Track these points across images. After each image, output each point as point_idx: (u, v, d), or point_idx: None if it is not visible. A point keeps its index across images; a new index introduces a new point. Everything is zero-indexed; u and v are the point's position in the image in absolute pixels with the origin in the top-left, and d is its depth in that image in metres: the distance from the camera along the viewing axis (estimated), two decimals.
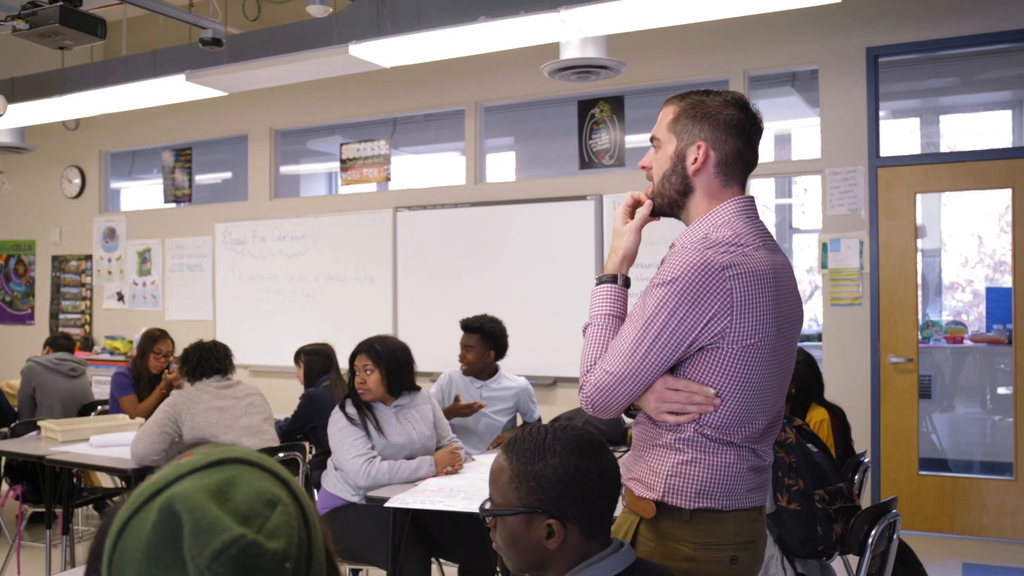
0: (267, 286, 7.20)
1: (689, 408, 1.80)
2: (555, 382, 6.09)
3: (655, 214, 1.99)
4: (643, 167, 1.99)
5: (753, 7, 4.18)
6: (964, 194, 6.58)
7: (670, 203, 1.93)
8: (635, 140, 6.20)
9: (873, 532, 2.63)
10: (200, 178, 7.91)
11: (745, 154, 1.90)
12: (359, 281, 6.83)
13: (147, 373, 5.08)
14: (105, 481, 5.36)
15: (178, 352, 5.38)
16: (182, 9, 4.24)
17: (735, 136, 1.87)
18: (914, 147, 6.17)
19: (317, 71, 5.11)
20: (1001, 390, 6.24)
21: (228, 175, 8.16)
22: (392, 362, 3.51)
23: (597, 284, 1.98)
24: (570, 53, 4.75)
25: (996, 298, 6.59)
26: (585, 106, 6.22)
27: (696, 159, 1.87)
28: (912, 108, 6.43)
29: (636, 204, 2.02)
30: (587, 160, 6.21)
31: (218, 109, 7.16)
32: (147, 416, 4.87)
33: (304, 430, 4.54)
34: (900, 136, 6.49)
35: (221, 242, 7.44)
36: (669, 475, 1.81)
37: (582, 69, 4.84)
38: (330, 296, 6.94)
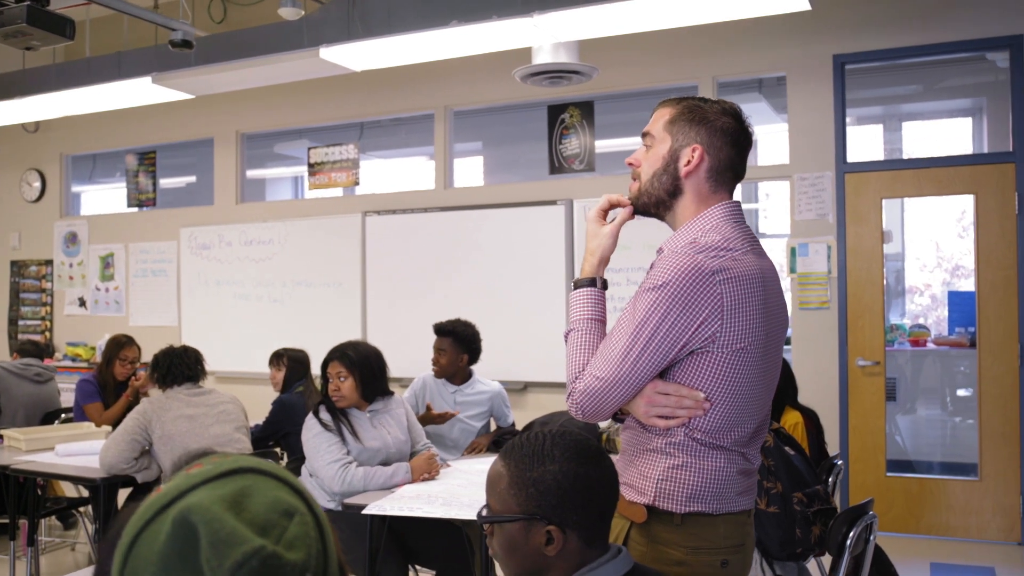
0: (234, 291, 7.11)
1: (679, 412, 1.80)
2: (526, 387, 6.09)
3: (638, 213, 1.98)
4: (630, 164, 1.98)
5: (723, 14, 4.22)
6: (921, 200, 6.69)
7: (656, 202, 1.92)
8: (605, 145, 6.22)
9: (852, 534, 2.65)
10: (164, 182, 7.79)
11: (736, 164, 1.91)
12: (327, 286, 6.77)
13: (113, 380, 4.99)
14: (69, 491, 5.25)
15: (144, 359, 5.31)
16: (149, 10, 4.17)
17: (729, 145, 1.88)
18: (877, 153, 6.26)
19: (287, 74, 5.07)
20: (964, 392, 6.35)
21: (192, 179, 8.06)
22: (366, 368, 3.48)
23: (575, 288, 1.97)
24: (542, 58, 4.76)
25: (958, 302, 6.71)
26: (555, 111, 6.23)
27: (690, 161, 1.87)
28: (875, 115, 6.53)
29: (609, 207, 2.01)
30: (557, 165, 6.22)
31: (183, 112, 7.06)
32: (113, 424, 4.80)
33: (276, 437, 4.48)
34: (864, 142, 6.59)
35: (186, 247, 7.33)
36: (660, 479, 1.81)
37: (554, 74, 4.85)
38: (298, 301, 6.87)
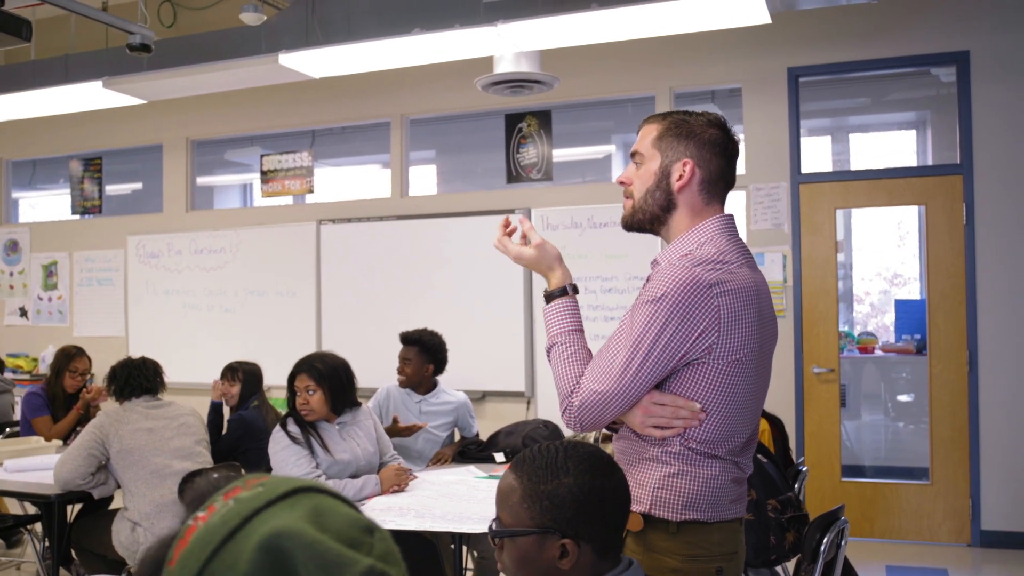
0: (183, 301, 6.96)
1: (675, 422, 1.81)
2: (484, 396, 6.06)
3: (633, 230, 2.00)
4: (621, 182, 2.00)
5: (686, 26, 4.27)
6: (860, 211, 6.83)
7: (651, 219, 1.94)
8: (563, 154, 6.25)
9: (825, 540, 2.69)
10: (111, 188, 7.59)
11: (727, 173, 1.93)
12: (281, 295, 6.67)
13: (62, 393, 4.83)
14: (13, 507, 5.07)
15: (95, 370, 5.16)
16: (107, 13, 4.06)
17: (719, 156, 1.90)
18: (826, 164, 6.39)
19: (245, 80, 4.98)
20: (912, 398, 6.50)
21: (139, 186, 7.87)
22: (335, 380, 3.43)
23: (548, 301, 1.97)
24: (504, 67, 4.76)
25: (904, 310, 6.87)
26: (512, 120, 6.23)
27: (682, 176, 1.89)
28: (823, 127, 6.66)
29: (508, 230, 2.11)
30: (515, 174, 6.22)
31: (130, 117, 6.90)
32: (63, 438, 4.66)
33: (235, 454, 4.36)
34: (813, 153, 6.72)
35: (134, 255, 7.15)
36: (656, 488, 1.82)
37: (515, 83, 4.85)
38: (250, 311, 6.75)
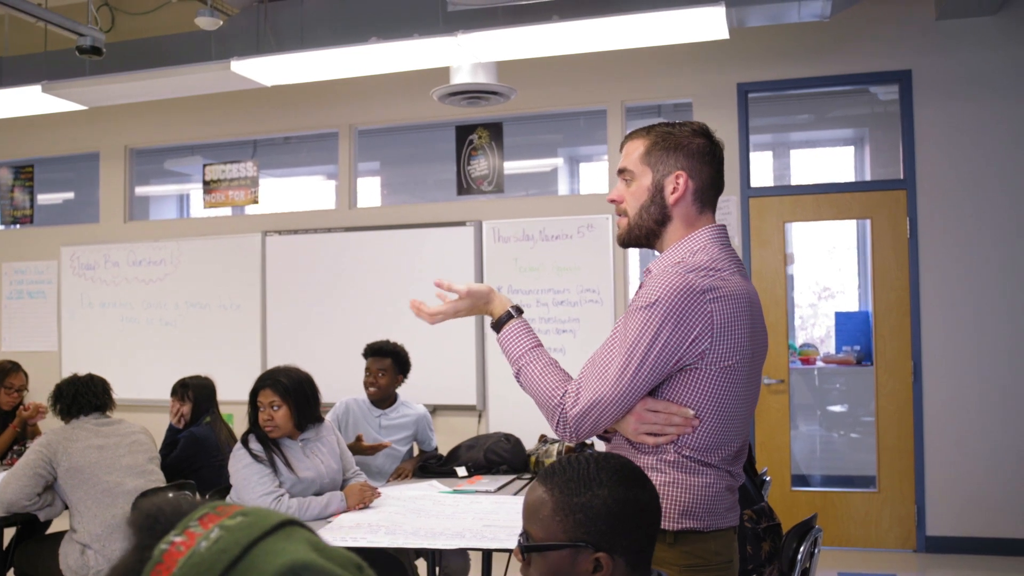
0: (121, 314, 6.72)
1: (668, 429, 1.81)
2: (435, 410, 5.98)
3: (629, 246, 2.00)
4: (613, 200, 1.99)
5: (645, 40, 4.31)
6: (793, 225, 6.97)
7: (648, 233, 1.95)
8: (514, 166, 6.23)
9: (802, 548, 2.71)
10: (42, 198, 7.31)
11: (716, 180, 1.95)
12: (224, 308, 6.49)
13: None
14: None
15: (32, 386, 4.95)
16: (57, 14, 3.91)
17: (708, 164, 1.92)
18: (767, 179, 6.51)
19: (195, 87, 4.85)
20: (848, 408, 6.65)
21: (71, 195, 7.60)
22: (300, 395, 3.34)
23: (499, 330, 1.99)
24: (462, 78, 4.72)
25: (844, 321, 7.03)
26: (463, 132, 6.20)
27: (675, 188, 1.90)
28: (765, 142, 6.79)
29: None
30: (465, 186, 6.19)
31: (65, 124, 6.66)
32: None
33: (187, 472, 4.20)
34: (756, 168, 6.85)
35: (68, 267, 6.89)
36: None
37: (472, 95, 4.82)
38: (192, 324, 6.56)
